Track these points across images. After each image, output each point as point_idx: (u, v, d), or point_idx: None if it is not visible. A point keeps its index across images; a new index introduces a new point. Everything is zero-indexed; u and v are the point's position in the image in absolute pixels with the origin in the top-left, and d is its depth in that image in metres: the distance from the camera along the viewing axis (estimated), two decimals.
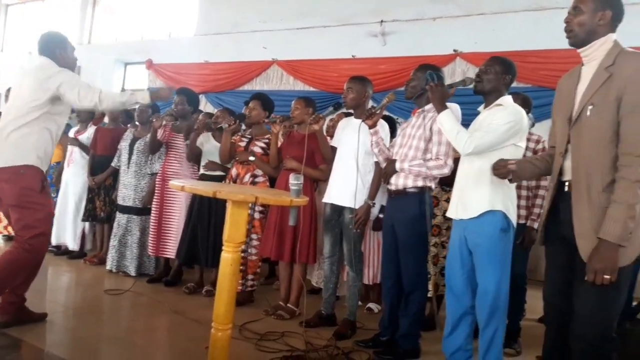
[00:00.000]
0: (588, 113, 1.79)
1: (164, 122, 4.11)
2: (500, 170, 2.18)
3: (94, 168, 4.69)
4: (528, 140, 3.15)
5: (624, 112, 1.72)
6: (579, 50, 1.90)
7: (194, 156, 4.04)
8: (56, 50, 2.88)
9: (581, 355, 1.82)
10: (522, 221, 3.07)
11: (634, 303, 2.79)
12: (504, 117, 2.38)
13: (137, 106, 3.02)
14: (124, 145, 4.42)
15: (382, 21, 6.62)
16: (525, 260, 3.22)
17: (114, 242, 4.27)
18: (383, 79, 6.16)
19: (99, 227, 4.80)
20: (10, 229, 5.13)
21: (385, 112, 4.77)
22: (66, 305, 3.25)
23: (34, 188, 2.70)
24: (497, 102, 2.47)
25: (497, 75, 2.47)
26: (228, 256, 1.99)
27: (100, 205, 4.65)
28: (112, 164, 4.54)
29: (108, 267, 4.28)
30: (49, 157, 2.86)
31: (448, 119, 2.50)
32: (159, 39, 8.90)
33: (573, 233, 1.81)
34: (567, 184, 1.89)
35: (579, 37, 1.86)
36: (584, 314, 1.80)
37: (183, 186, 1.99)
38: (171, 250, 4.06)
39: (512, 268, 3.15)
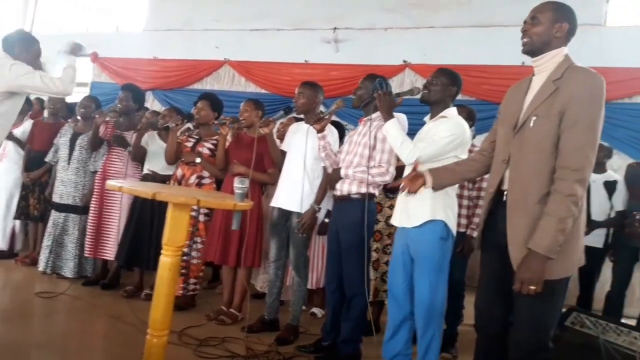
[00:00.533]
0: (531, 124, 1.81)
1: (107, 119, 3.96)
2: (406, 188, 2.20)
3: (29, 164, 4.46)
4: (470, 152, 3.27)
5: (564, 127, 1.74)
6: (531, 60, 1.93)
7: (138, 155, 3.91)
8: (11, 44, 2.85)
9: None
10: (462, 230, 3.17)
11: (563, 309, 2.95)
12: (447, 129, 2.46)
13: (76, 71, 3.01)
14: (62, 140, 4.21)
15: (335, 28, 6.69)
16: (464, 267, 3.33)
17: (48, 242, 4.06)
18: (334, 86, 6.22)
19: (32, 226, 4.56)
20: None
21: (336, 118, 4.82)
22: None
23: None
24: (442, 113, 2.55)
25: (444, 86, 2.55)
26: (167, 260, 1.94)
27: (34, 203, 4.42)
28: (47, 160, 4.32)
29: (41, 268, 4.06)
30: None
31: (394, 128, 2.55)
32: (105, 32, 8.57)
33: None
34: (505, 192, 1.91)
35: (534, 46, 1.89)
36: (521, 322, 1.84)
37: (121, 187, 1.92)
38: (110, 251, 3.91)
39: (451, 275, 3.24)
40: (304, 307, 3.41)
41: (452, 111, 2.57)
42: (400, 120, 3.16)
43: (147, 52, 7.73)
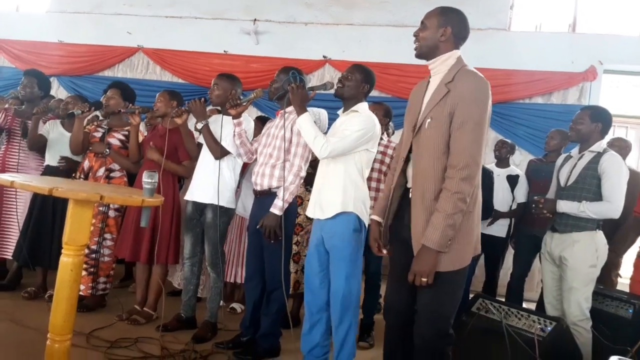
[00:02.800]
0: (426, 125, 1.91)
1: (6, 106, 3.62)
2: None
3: None
4: (387, 147, 3.38)
5: (453, 127, 1.85)
6: (427, 63, 2.04)
7: (36, 145, 3.59)
8: None
9: (420, 351, 1.96)
10: None
11: (471, 296, 3.15)
12: (357, 123, 2.52)
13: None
14: None
15: (255, 20, 6.59)
16: (380, 259, 3.43)
17: None
18: (255, 78, 6.13)
19: None
20: None
21: (260, 113, 4.76)
22: None
23: None
24: (354, 108, 2.61)
25: (357, 82, 2.60)
26: (68, 260, 1.80)
27: None
28: None
29: None
30: None
31: (307, 122, 2.56)
32: (4, 11, 7.82)
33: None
34: (410, 190, 2.02)
35: (422, 50, 2.00)
36: (421, 312, 1.95)
37: (13, 182, 1.75)
38: (9, 250, 3.60)
39: (368, 266, 3.36)
40: (223, 303, 3.34)
41: (363, 106, 2.64)
42: (321, 117, 3.20)
43: (52, 36, 7.15)
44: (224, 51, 6.64)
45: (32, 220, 3.43)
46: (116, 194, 1.95)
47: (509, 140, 4.51)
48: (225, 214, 3.10)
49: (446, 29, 1.97)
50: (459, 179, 1.82)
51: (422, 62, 2.09)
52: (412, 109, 2.08)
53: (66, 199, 3.30)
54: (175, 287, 3.87)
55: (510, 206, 4.15)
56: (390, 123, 3.70)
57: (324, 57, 6.25)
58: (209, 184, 3.05)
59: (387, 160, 3.38)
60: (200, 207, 3.13)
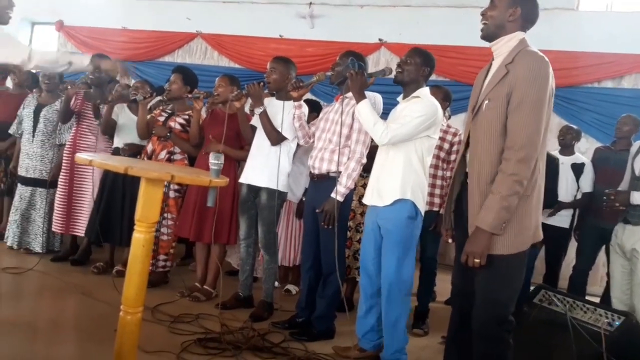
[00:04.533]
0: (484, 107, 1.89)
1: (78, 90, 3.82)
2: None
3: None
4: (446, 132, 3.31)
5: (510, 108, 1.82)
6: (489, 44, 1.99)
7: (109, 129, 3.79)
8: None
9: (477, 336, 1.94)
10: (435, 209, 3.22)
11: (532, 287, 3.05)
12: (418, 109, 2.47)
13: (69, 67, 2.64)
14: (26, 112, 4.04)
15: (310, 3, 6.58)
16: (437, 246, 3.40)
17: (15, 216, 3.93)
18: (309, 62, 6.14)
19: None
20: None
21: (312, 96, 4.78)
22: None
23: None
24: (415, 94, 2.56)
25: (417, 66, 2.55)
26: (140, 237, 1.89)
27: (0, 177, 4.25)
28: (10, 132, 4.15)
29: (8, 243, 3.95)
30: None
31: (366, 108, 2.54)
32: None
33: None
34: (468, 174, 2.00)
35: (489, 29, 1.95)
36: (479, 297, 1.92)
37: (91, 160, 1.85)
38: (80, 227, 3.81)
39: (424, 253, 3.33)
40: (278, 284, 3.41)
41: (424, 91, 2.59)
42: (376, 101, 3.16)
43: (115, 22, 7.44)
44: (280, 35, 6.68)
45: (103, 200, 3.62)
46: (184, 173, 2.02)
47: (574, 126, 4.30)
48: (279, 197, 3.14)
49: (516, 10, 1.91)
50: (516, 160, 1.78)
51: (483, 44, 2.05)
52: (474, 91, 2.05)
53: (135, 180, 3.51)
54: (233, 267, 3.99)
55: (575, 196, 3.98)
56: (448, 108, 3.62)
57: (379, 40, 6.17)
58: (264, 167, 3.10)
59: (446, 146, 3.31)
60: (254, 190, 3.18)
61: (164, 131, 3.50)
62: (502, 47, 1.93)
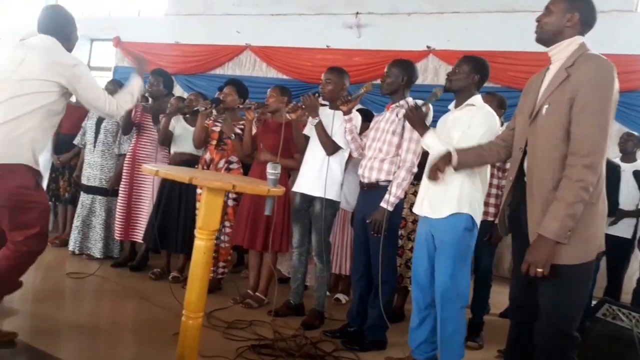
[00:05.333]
0: (544, 112, 1.84)
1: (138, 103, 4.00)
2: (433, 175, 2.30)
3: (58, 147, 4.53)
4: None
5: (574, 113, 1.76)
6: (547, 49, 1.95)
7: (166, 139, 3.94)
8: (60, 28, 2.47)
9: (540, 352, 1.87)
10: (490, 218, 3.15)
11: (593, 302, 2.93)
12: (480, 123, 2.42)
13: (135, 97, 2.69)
14: (89, 123, 4.27)
15: (357, 13, 6.62)
16: (492, 256, 3.32)
17: (77, 222, 4.15)
18: (356, 71, 6.17)
19: (62, 208, 4.64)
20: None
21: (363, 106, 4.79)
22: (25, 288, 3.12)
23: (29, 185, 2.32)
24: (468, 102, 2.51)
25: (465, 74, 2.51)
26: (201, 244, 1.96)
27: (64, 186, 4.51)
28: (75, 142, 4.39)
29: (70, 248, 4.17)
30: (44, 149, 2.52)
31: (433, 139, 2.48)
32: (127, 16, 8.60)
33: None
34: (526, 181, 1.94)
35: (545, 35, 1.92)
36: (543, 310, 1.85)
37: (157, 171, 1.93)
38: (139, 234, 3.98)
39: (479, 263, 3.26)
40: (328, 293, 3.43)
41: (478, 99, 2.54)
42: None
43: (169, 37, 7.75)
44: (327, 46, 6.75)
45: (160, 208, 3.76)
46: (244, 183, 2.08)
47: (635, 133, 4.13)
48: (332, 206, 3.17)
49: (573, 15, 1.88)
50: (582, 167, 1.73)
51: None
52: (528, 97, 2.00)
53: (190, 189, 3.66)
54: (283, 275, 4.04)
55: (637, 205, 3.79)
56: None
57: (427, 47, 6.12)
58: (317, 176, 3.13)
59: None
60: (308, 199, 3.22)
61: (232, 129, 3.58)
62: (561, 52, 1.89)
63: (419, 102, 2.69)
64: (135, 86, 2.72)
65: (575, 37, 1.88)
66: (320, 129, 3.09)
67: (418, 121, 2.54)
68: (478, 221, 2.48)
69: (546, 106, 1.84)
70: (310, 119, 3.13)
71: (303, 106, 3.11)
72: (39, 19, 2.48)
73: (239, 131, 3.63)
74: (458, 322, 2.48)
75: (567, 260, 1.77)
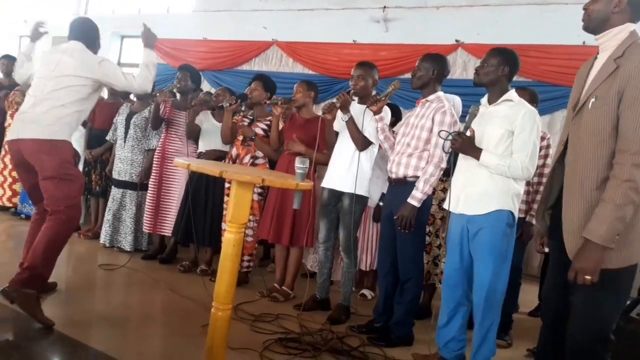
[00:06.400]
0: (590, 105, 1.75)
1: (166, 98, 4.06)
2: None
3: (90, 141, 4.64)
4: (542, 139, 3.18)
5: (623, 107, 1.66)
6: (594, 38, 1.86)
7: (193, 134, 3.99)
8: (89, 38, 2.93)
9: (573, 353, 1.81)
10: (521, 215, 3.09)
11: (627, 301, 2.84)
12: (531, 130, 2.35)
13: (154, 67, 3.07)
14: (120, 119, 4.36)
15: (384, 7, 6.56)
16: (522, 254, 3.26)
17: (108, 216, 4.25)
18: (384, 66, 6.09)
19: (94, 201, 4.76)
20: (5, 199, 5.08)
21: (390, 101, 4.75)
22: (59, 279, 3.21)
23: (70, 160, 2.80)
24: (505, 97, 2.44)
25: (494, 67, 2.44)
26: (231, 237, 1.98)
27: (96, 180, 4.61)
28: (107, 138, 4.49)
29: (102, 241, 4.27)
30: (73, 133, 2.95)
31: (490, 159, 2.37)
32: (157, 13, 8.73)
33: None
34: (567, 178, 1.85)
35: (592, 23, 1.83)
36: (577, 313, 1.79)
37: (189, 164, 1.97)
38: (168, 227, 4.05)
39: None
40: (353, 289, 3.43)
41: (513, 94, 2.46)
42: (454, 103, 3.10)
43: (197, 33, 7.83)
44: (353, 40, 6.72)
45: (189, 202, 3.81)
46: (273, 177, 2.09)
47: None
48: (360, 202, 3.16)
49: (621, 0, 1.77)
50: (631, 165, 1.62)
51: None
52: (575, 89, 1.91)
53: (217, 184, 3.70)
54: (308, 269, 4.04)
55: None
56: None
57: (456, 41, 6.02)
58: (346, 172, 3.13)
59: (541, 152, 3.16)
60: (336, 194, 3.22)
61: (251, 132, 3.62)
62: (610, 41, 1.79)
63: (458, 126, 2.69)
64: (147, 58, 3.04)
65: (626, 25, 1.78)
66: (352, 125, 3.07)
67: (467, 147, 2.41)
68: (516, 216, 2.42)
69: (592, 99, 1.74)
70: (340, 114, 3.11)
71: (338, 105, 3.09)
72: (70, 28, 2.95)
73: (260, 131, 3.65)
74: (494, 320, 2.44)
75: (613, 264, 1.69)
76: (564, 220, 1.79)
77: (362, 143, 3.09)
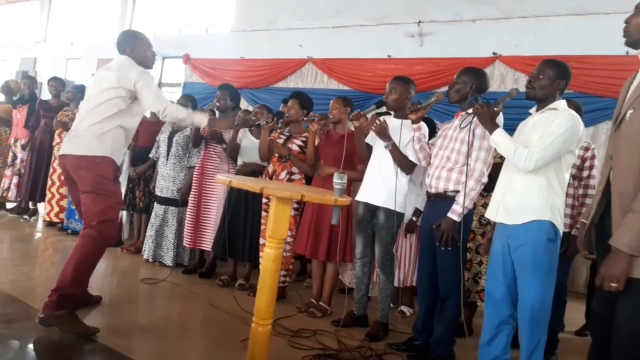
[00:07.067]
0: (627, 117, 1.76)
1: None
2: None
3: (134, 159, 4.80)
4: (586, 150, 3.11)
5: None
6: (636, 52, 1.85)
7: (235, 152, 4.08)
8: (127, 48, 2.95)
9: None
10: (566, 230, 2.99)
11: None
12: (560, 125, 2.27)
13: (190, 125, 3.11)
14: (162, 137, 4.50)
15: (419, 22, 6.56)
16: (567, 270, 3.15)
17: (150, 232, 4.37)
18: (419, 80, 6.03)
19: (137, 217, 4.90)
20: (52, 215, 5.30)
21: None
22: (103, 292, 3.33)
23: (108, 176, 2.80)
24: (551, 105, 2.38)
25: (551, 80, 2.36)
26: (271, 252, 2.01)
27: (140, 196, 4.76)
28: (150, 156, 4.63)
29: (145, 256, 4.38)
30: (123, 150, 3.01)
31: (502, 137, 2.39)
32: (196, 34, 9.02)
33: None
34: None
35: (633, 37, 1.83)
36: (619, 327, 1.76)
37: (230, 181, 2.01)
38: (207, 242, 4.13)
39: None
40: (392, 305, 3.38)
41: (562, 103, 2.40)
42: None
43: (235, 52, 8.03)
44: (388, 56, 6.73)
45: (228, 217, 3.87)
46: (312, 193, 2.11)
47: None
48: (397, 217, 3.14)
49: None
50: None
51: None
52: (618, 103, 1.90)
53: (257, 200, 3.76)
54: (345, 285, 4.02)
55: None
56: None
57: (493, 53, 5.95)
58: (382, 187, 3.11)
59: (577, 161, 3.07)
60: (371, 209, 3.20)
61: (285, 151, 3.67)
62: None
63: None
64: (196, 115, 3.09)
65: None
66: (395, 151, 3.06)
67: (488, 118, 2.45)
68: (561, 229, 2.34)
69: (630, 111, 1.75)
70: (379, 141, 3.11)
71: (372, 128, 3.11)
72: (117, 42, 3.00)
73: (297, 147, 3.69)
74: (541, 339, 2.35)
75: (636, 274, 1.68)
76: (613, 233, 1.76)
77: (408, 167, 3.09)
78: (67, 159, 2.81)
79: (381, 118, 3.43)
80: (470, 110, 2.75)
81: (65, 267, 2.70)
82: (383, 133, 3.07)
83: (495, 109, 2.49)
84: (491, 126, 2.44)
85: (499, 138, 2.40)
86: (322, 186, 3.40)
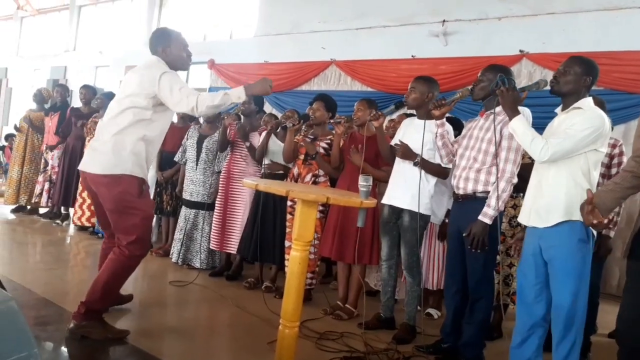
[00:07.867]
0: None
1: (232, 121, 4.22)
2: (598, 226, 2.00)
3: (162, 164, 4.88)
4: (614, 147, 3.03)
5: None
6: None
7: (262, 156, 4.09)
8: (158, 47, 2.75)
9: None
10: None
11: None
12: (583, 121, 2.24)
13: (232, 107, 2.83)
14: (190, 142, 4.55)
15: (444, 21, 6.49)
16: (600, 271, 3.07)
17: (179, 235, 4.42)
18: (443, 80, 5.99)
19: (165, 221, 4.98)
20: (84, 219, 5.43)
21: (449, 114, 4.68)
22: (133, 294, 3.39)
23: (132, 193, 2.61)
24: (576, 104, 2.34)
25: (577, 76, 2.32)
26: (297, 255, 2.01)
27: (167, 200, 4.83)
28: (176, 159, 4.69)
29: (173, 259, 4.44)
30: (150, 161, 2.77)
31: (521, 124, 2.37)
32: (220, 39, 9.14)
33: None
34: None
35: None
36: None
37: (257, 184, 2.03)
38: (233, 245, 4.16)
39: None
40: (419, 308, 3.35)
41: (587, 101, 2.35)
42: (525, 114, 2.99)
43: (259, 57, 8.10)
44: (412, 56, 6.69)
45: (255, 221, 3.90)
46: (337, 195, 2.11)
47: None
48: (422, 219, 3.11)
49: None
50: None
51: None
52: None
53: (284, 204, 3.78)
54: (371, 287, 4.01)
55: None
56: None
57: (520, 51, 5.85)
58: (406, 189, 3.09)
59: (605, 159, 2.99)
60: (397, 211, 3.18)
61: (313, 149, 3.68)
62: None
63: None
64: (233, 91, 2.63)
65: None
66: (427, 165, 3.06)
67: (510, 102, 2.42)
68: (594, 230, 2.26)
69: None
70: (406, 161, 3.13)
71: (397, 154, 3.14)
72: (149, 41, 2.82)
73: (322, 149, 3.69)
74: (576, 342, 2.29)
75: None
76: None
77: (443, 173, 3.11)
78: (87, 174, 2.66)
79: (406, 120, 3.42)
80: (497, 109, 2.69)
81: (95, 282, 2.65)
82: (407, 155, 3.08)
83: (521, 95, 2.46)
84: (512, 111, 2.42)
85: (518, 125, 2.38)
86: (347, 186, 3.40)
